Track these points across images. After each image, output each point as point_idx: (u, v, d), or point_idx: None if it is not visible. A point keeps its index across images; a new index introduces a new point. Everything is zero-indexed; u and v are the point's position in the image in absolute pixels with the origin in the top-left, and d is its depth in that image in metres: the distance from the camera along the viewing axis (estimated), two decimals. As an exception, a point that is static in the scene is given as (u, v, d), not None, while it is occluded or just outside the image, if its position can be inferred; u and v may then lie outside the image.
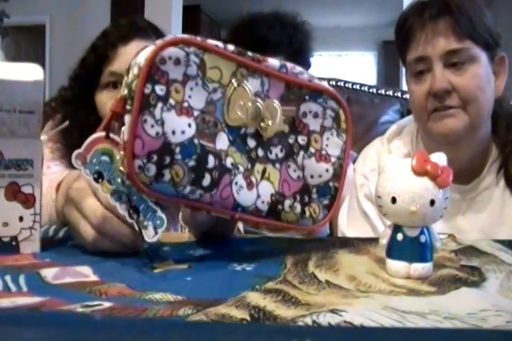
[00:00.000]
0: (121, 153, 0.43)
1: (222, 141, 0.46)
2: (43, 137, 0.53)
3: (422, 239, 0.45)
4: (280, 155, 0.51)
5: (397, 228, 0.46)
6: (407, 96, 1.62)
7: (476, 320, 0.34)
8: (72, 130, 0.87)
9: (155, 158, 0.42)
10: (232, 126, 0.47)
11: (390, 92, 1.64)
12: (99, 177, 0.47)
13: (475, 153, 0.89)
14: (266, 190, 0.49)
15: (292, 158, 0.52)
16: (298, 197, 0.52)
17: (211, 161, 0.45)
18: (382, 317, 0.34)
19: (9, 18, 5.09)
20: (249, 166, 0.48)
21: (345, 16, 6.83)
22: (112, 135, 0.47)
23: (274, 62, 0.50)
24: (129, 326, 0.32)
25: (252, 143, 0.49)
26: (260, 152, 0.49)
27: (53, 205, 0.64)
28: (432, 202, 0.43)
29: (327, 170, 0.54)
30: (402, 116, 1.52)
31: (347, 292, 0.40)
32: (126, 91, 0.43)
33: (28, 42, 5.94)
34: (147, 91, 0.42)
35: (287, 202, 0.51)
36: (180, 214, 0.58)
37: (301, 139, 0.52)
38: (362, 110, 1.61)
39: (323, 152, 0.53)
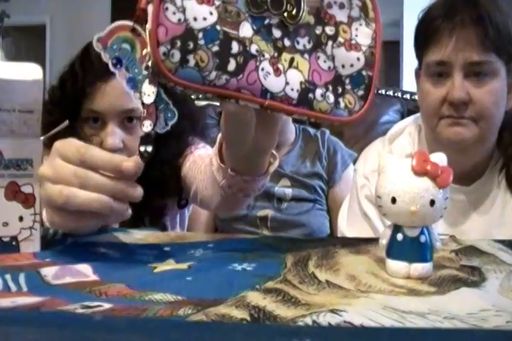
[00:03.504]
0: (146, 49, 0.44)
1: (247, 29, 0.47)
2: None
3: (422, 239, 0.45)
4: (308, 46, 0.50)
5: (397, 228, 0.46)
6: (407, 96, 1.63)
7: (476, 320, 0.34)
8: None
9: (178, 43, 0.43)
10: (255, 16, 0.47)
11: (390, 92, 1.64)
12: (117, 62, 0.49)
13: (479, 159, 0.89)
14: (295, 78, 0.49)
15: (321, 49, 0.51)
16: (330, 88, 0.51)
17: (235, 47, 0.46)
18: (382, 317, 0.34)
19: (9, 18, 5.09)
20: (276, 54, 0.48)
21: (345, 16, 6.81)
22: (136, 27, 0.48)
23: None
24: (129, 326, 0.32)
25: (277, 33, 0.48)
26: (287, 42, 0.49)
27: None
28: (432, 202, 0.43)
29: (358, 59, 0.52)
30: (403, 116, 1.53)
31: (347, 292, 0.40)
32: None
33: (28, 42, 5.94)
34: None
35: (319, 91, 0.50)
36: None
37: (329, 30, 0.51)
38: (362, 110, 1.61)
39: (353, 42, 0.52)
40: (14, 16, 5.09)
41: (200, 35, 0.44)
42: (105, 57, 0.48)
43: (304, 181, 1.34)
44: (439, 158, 0.46)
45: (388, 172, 0.46)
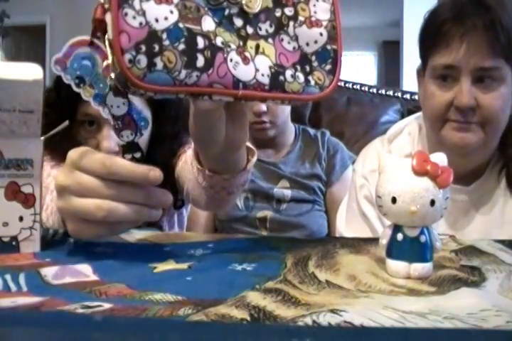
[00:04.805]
0: (107, 61, 0.43)
1: (209, 23, 0.46)
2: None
3: (422, 239, 0.45)
4: (270, 30, 0.50)
5: (397, 228, 0.46)
6: (407, 96, 1.63)
7: (476, 320, 0.34)
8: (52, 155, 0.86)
9: (143, 48, 0.42)
10: (215, 8, 0.47)
11: (390, 92, 1.65)
12: (80, 82, 0.48)
13: (481, 161, 0.89)
14: (263, 63, 0.49)
15: (283, 31, 0.51)
16: (299, 67, 0.51)
17: (200, 42, 0.45)
18: (382, 317, 0.34)
19: (9, 18, 5.09)
20: (241, 43, 0.48)
21: (345, 16, 6.78)
22: (95, 41, 0.47)
23: None
24: (129, 326, 0.32)
25: (239, 22, 0.48)
26: (250, 29, 0.49)
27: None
28: (432, 202, 0.43)
29: (321, 34, 0.53)
30: (403, 116, 1.53)
31: (347, 292, 0.40)
32: None
33: (28, 42, 5.94)
34: None
35: (288, 72, 0.50)
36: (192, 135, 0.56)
37: (288, 11, 0.51)
38: (362, 110, 1.61)
39: (313, 18, 0.52)
40: (14, 16, 5.10)
41: (164, 35, 0.43)
42: (66, 79, 0.47)
43: (303, 182, 1.34)
44: (439, 158, 0.46)
45: (388, 172, 0.46)
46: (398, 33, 4.91)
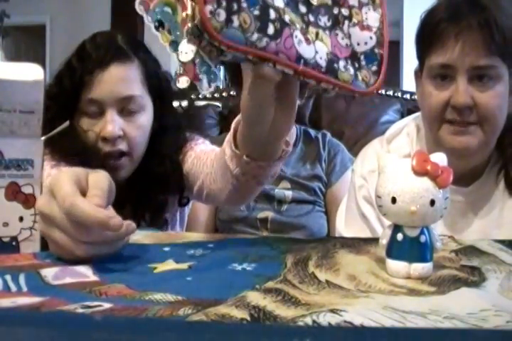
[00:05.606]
0: (186, 12, 0.46)
1: (278, 1, 0.49)
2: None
3: (422, 239, 0.45)
4: (328, 24, 0.54)
5: (397, 228, 0.46)
6: (407, 96, 1.63)
7: (476, 320, 0.34)
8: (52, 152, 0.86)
9: (224, 3, 0.45)
10: None
11: (390, 92, 1.65)
12: (159, 25, 0.50)
13: (479, 161, 0.89)
14: (322, 49, 0.52)
15: (339, 27, 0.54)
16: (349, 62, 0.55)
17: (272, 14, 0.48)
18: (382, 317, 0.34)
19: (9, 18, 5.09)
20: (304, 27, 0.51)
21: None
22: None
23: None
24: (129, 326, 0.32)
25: (303, 8, 0.52)
26: (311, 17, 0.52)
27: None
28: (432, 202, 0.43)
29: (371, 38, 0.56)
30: (403, 116, 1.53)
31: (347, 292, 0.40)
32: None
33: (28, 42, 5.94)
34: None
35: (341, 63, 0.53)
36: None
37: (344, 11, 0.55)
38: (362, 110, 1.61)
39: (365, 23, 0.56)
40: (14, 16, 5.09)
41: None
42: (147, 20, 0.50)
43: (303, 183, 1.34)
44: (439, 158, 0.46)
45: (388, 172, 0.46)
46: (398, 33, 4.90)
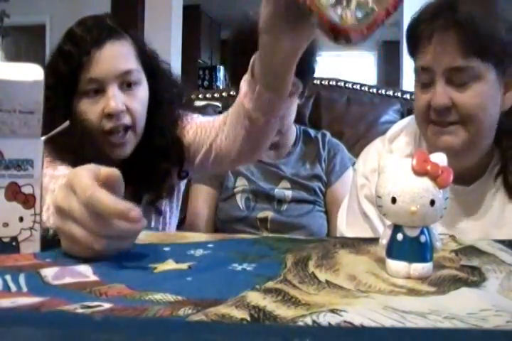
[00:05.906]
0: None
1: None
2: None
3: (422, 239, 0.45)
4: None
5: (397, 228, 0.46)
6: (407, 96, 1.63)
7: (476, 320, 0.34)
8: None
9: None
10: None
11: (390, 92, 1.65)
12: None
13: (474, 161, 0.89)
14: None
15: None
16: None
17: None
18: (382, 317, 0.34)
19: (9, 18, 5.09)
20: None
21: (345, 16, 6.82)
22: None
23: None
24: (129, 326, 0.32)
25: None
26: None
27: None
28: (432, 202, 0.43)
29: None
30: (403, 116, 1.53)
31: (347, 292, 0.40)
32: None
33: (28, 42, 5.94)
34: None
35: None
36: None
37: None
38: (362, 110, 1.61)
39: None
40: (14, 16, 5.09)
41: None
42: None
43: (303, 183, 1.34)
44: (439, 158, 0.46)
45: (388, 172, 0.46)
46: (398, 33, 4.90)
